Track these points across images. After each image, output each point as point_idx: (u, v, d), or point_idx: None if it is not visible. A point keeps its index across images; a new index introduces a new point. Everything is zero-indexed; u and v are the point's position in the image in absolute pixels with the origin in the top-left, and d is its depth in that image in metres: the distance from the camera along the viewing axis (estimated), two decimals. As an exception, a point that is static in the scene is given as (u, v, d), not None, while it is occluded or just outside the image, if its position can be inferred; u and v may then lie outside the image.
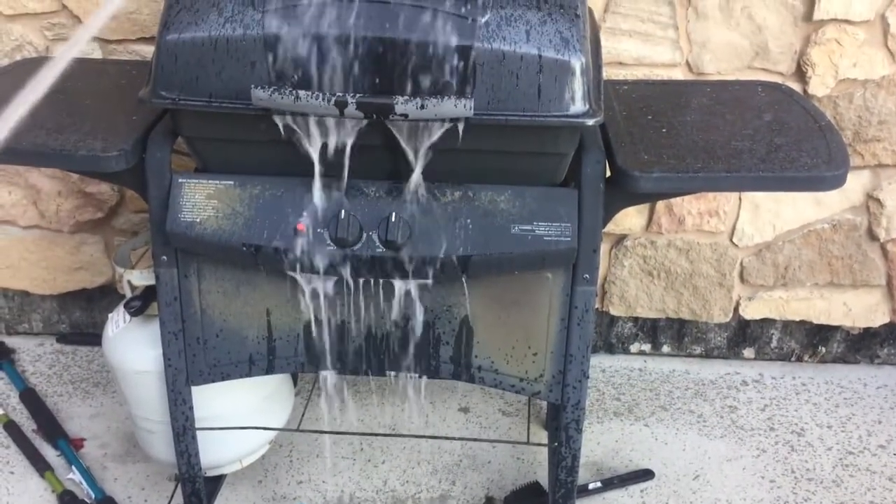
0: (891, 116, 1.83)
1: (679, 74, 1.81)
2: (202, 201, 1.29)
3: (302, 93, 1.13)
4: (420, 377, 1.45)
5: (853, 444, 1.88)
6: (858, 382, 2.07)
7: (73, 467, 1.76)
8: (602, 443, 1.87)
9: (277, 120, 1.19)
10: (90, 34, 1.61)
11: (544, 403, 1.90)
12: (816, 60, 1.77)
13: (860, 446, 1.87)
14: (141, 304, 1.47)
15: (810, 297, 2.04)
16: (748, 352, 2.14)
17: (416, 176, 1.25)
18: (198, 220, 1.29)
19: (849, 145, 1.84)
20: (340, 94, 1.14)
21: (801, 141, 1.34)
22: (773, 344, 2.12)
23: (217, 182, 1.31)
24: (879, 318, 2.06)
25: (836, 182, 1.27)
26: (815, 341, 2.11)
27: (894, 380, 2.08)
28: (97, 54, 1.83)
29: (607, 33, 1.76)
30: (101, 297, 2.13)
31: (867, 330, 2.09)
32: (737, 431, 1.91)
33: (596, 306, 2.04)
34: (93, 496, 1.71)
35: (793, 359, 2.14)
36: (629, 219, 1.94)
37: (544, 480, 1.73)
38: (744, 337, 2.11)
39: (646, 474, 1.78)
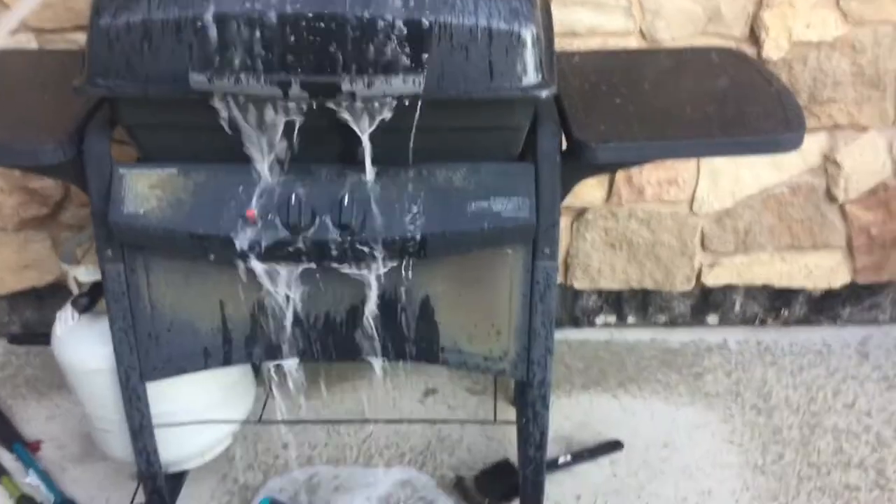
0: (845, 77, 1.82)
1: (633, 42, 1.78)
2: (145, 191, 1.24)
3: (242, 74, 1.09)
4: (383, 361, 1.42)
5: (819, 404, 1.89)
6: (822, 343, 2.08)
7: (30, 470, 1.71)
8: (571, 416, 1.86)
9: (219, 104, 1.14)
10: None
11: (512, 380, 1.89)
12: (769, 23, 1.75)
13: (826, 406, 1.88)
14: (89, 300, 1.43)
15: (771, 261, 2.04)
16: (712, 318, 2.14)
17: (368, 156, 1.21)
18: (141, 211, 1.24)
19: (804, 107, 1.84)
20: (283, 75, 1.10)
21: (756, 104, 1.33)
22: (737, 309, 2.12)
23: (160, 171, 1.26)
24: (840, 279, 2.08)
25: (793, 143, 1.26)
26: (777, 304, 2.12)
27: (857, 339, 2.09)
28: (32, 44, 1.75)
29: (559, 4, 1.73)
30: (52, 296, 2.06)
31: (829, 291, 2.10)
32: (704, 398, 1.91)
33: (559, 281, 2.03)
34: (52, 499, 1.66)
35: (756, 323, 2.15)
36: (589, 191, 1.93)
37: (514, 458, 1.72)
38: (707, 304, 2.12)
39: (615, 445, 1.78)
